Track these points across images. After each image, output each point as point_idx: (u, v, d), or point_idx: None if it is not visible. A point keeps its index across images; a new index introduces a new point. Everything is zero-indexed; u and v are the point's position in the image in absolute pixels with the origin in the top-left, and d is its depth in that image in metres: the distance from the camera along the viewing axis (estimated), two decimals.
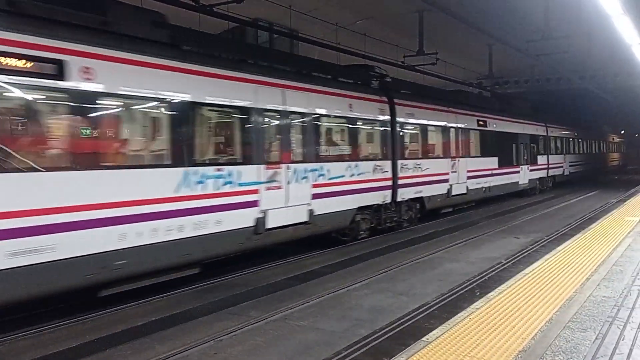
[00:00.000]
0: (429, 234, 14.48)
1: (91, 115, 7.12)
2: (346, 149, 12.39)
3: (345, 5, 16.57)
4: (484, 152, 19.34)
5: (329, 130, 12.25)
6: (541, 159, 25.73)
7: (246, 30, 16.25)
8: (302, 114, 11.00)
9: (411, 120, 14.89)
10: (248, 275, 10.01)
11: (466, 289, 8.77)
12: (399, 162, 14.06)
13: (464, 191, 17.55)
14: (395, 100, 14.21)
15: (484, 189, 19.07)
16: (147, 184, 7.77)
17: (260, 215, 9.66)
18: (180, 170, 8.23)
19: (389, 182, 13.69)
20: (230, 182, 9.07)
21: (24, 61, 6.45)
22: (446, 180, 16.47)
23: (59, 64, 6.77)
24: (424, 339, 4.94)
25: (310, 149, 11.11)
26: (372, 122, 13.39)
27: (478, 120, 19.06)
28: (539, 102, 30.43)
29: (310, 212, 10.90)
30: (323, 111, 11.63)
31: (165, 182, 8.03)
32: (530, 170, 24.08)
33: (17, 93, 6.47)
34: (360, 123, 12.86)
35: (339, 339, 6.64)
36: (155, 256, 7.85)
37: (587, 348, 4.68)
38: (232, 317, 7.52)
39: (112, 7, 7.98)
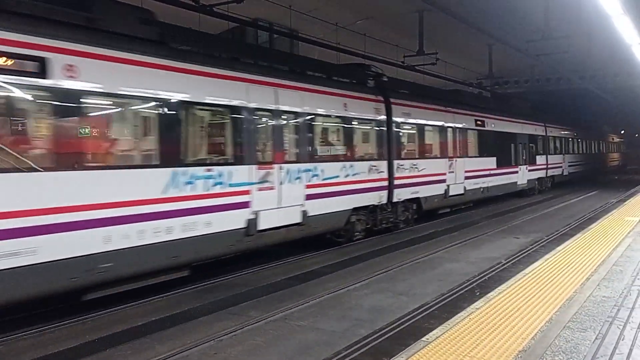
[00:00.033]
0: (428, 234, 14.48)
1: (75, 114, 6.96)
2: (341, 149, 12.25)
3: (345, 5, 16.56)
4: (482, 152, 19.24)
5: (323, 130, 12.10)
6: (540, 159, 25.64)
7: (246, 30, 16.24)
8: (295, 114, 10.83)
9: (408, 119, 14.78)
10: (248, 275, 10.01)
11: (466, 289, 8.77)
12: (395, 162, 13.94)
13: (462, 192, 17.42)
14: (392, 100, 14.09)
15: (482, 190, 18.97)
16: (134, 184, 7.60)
17: (252, 217, 9.50)
18: (168, 170, 8.06)
19: (385, 183, 13.56)
20: (220, 183, 8.91)
21: (4, 59, 6.28)
22: (443, 181, 16.34)
23: (41, 61, 6.59)
24: (424, 339, 4.94)
25: (303, 149, 10.95)
26: (367, 121, 13.24)
27: (476, 120, 18.97)
28: (539, 102, 30.43)
29: (304, 213, 10.74)
30: (317, 110, 11.47)
31: (152, 182, 7.86)
32: (529, 171, 23.98)
33: None
34: (356, 123, 12.72)
35: (339, 339, 6.64)
36: (143, 258, 7.68)
37: (587, 348, 4.68)
38: (232, 317, 7.52)
39: (98, 4, 7.79)
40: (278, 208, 10.10)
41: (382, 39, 17.99)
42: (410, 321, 7.21)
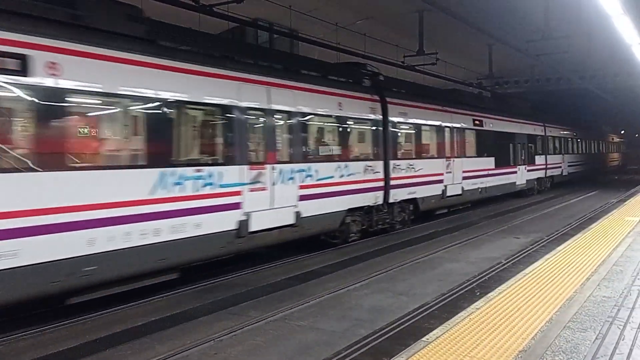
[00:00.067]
0: (428, 234, 14.48)
1: (58, 113, 6.76)
2: (335, 149, 12.06)
3: (345, 5, 16.56)
4: (480, 152, 19.11)
5: (317, 129, 11.93)
6: (539, 159, 25.52)
7: (246, 30, 16.23)
8: (289, 113, 10.63)
9: (404, 119, 14.62)
10: (248, 275, 10.00)
11: (466, 289, 8.77)
12: (392, 162, 13.76)
13: (459, 192, 17.27)
14: (388, 99, 13.92)
15: (480, 190, 18.84)
16: (120, 185, 7.40)
17: (243, 218, 9.30)
18: (156, 171, 7.87)
19: (381, 183, 13.39)
20: (210, 184, 8.72)
21: None
22: (441, 181, 16.18)
23: (22, 59, 6.41)
24: (424, 339, 4.94)
25: (297, 149, 10.75)
26: (362, 121, 13.06)
27: (474, 120, 18.85)
28: (539, 102, 30.42)
29: (297, 214, 10.55)
30: (311, 110, 11.27)
31: (139, 183, 7.67)
32: (528, 171, 23.86)
33: None
34: (351, 122, 12.56)
35: (339, 339, 6.64)
36: (129, 261, 7.49)
37: (587, 348, 4.68)
38: (232, 317, 7.52)
39: (83, 0, 7.57)
40: (270, 209, 9.92)
41: (382, 39, 17.98)
42: (410, 321, 7.21)
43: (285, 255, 11.35)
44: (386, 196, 13.60)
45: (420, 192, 15.01)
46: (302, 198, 10.70)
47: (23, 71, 6.42)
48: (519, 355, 4.52)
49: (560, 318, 5.46)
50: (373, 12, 17.49)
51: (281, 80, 10.54)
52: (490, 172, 19.79)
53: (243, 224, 9.30)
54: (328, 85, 12.02)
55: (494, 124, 20.49)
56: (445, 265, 10.69)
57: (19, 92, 6.45)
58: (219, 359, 6.16)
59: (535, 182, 25.22)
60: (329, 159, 11.81)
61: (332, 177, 11.63)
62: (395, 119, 14.15)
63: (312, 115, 11.40)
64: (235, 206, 9.19)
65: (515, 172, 22.46)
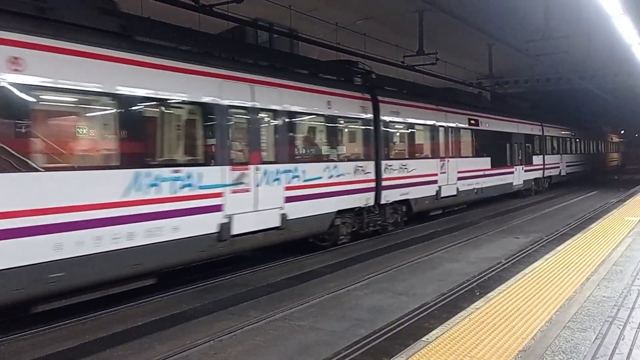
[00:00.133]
0: (428, 234, 14.48)
1: (22, 111, 6.38)
2: (324, 149, 11.78)
3: (345, 5, 16.57)
4: (476, 152, 18.94)
5: (304, 129, 11.67)
6: (537, 159, 25.36)
7: (246, 30, 16.23)
8: (274, 112, 10.31)
9: (397, 118, 14.35)
10: (248, 275, 10.00)
11: (466, 289, 8.78)
12: (383, 162, 13.46)
13: (454, 193, 16.98)
14: (379, 98, 13.63)
15: (475, 191, 18.61)
16: (89, 187, 7.00)
17: (225, 221, 8.94)
18: (129, 172, 7.48)
19: (372, 184, 13.06)
20: (189, 185, 8.35)
21: None
22: (435, 182, 15.90)
23: None
24: (423, 339, 4.94)
25: (282, 148, 10.42)
26: (353, 120, 12.79)
27: (469, 119, 18.63)
28: (539, 102, 30.40)
29: (283, 216, 10.20)
30: (297, 108, 10.93)
31: (111, 185, 7.29)
32: (525, 171, 23.67)
33: None
34: (340, 121, 12.26)
35: (339, 339, 6.64)
36: (100, 267, 7.12)
37: (587, 348, 4.68)
38: (232, 317, 7.52)
39: None
40: (254, 211, 9.55)
41: (382, 39, 17.98)
42: (410, 321, 7.21)
43: (285, 255, 11.34)
44: (378, 197, 13.29)
45: (413, 193, 14.72)
46: (289, 199, 10.37)
47: None
48: (519, 355, 4.52)
49: (560, 318, 5.46)
50: (373, 12, 17.50)
51: (266, 78, 10.21)
52: (487, 172, 19.56)
53: (225, 226, 8.95)
54: (316, 83, 11.69)
55: (490, 124, 20.29)
56: (445, 265, 10.69)
57: None
58: (219, 359, 6.16)
59: (533, 183, 25.06)
60: (317, 159, 11.54)
61: (320, 177, 11.31)
62: (387, 118, 13.87)
63: (299, 114, 11.12)
64: (216, 208, 8.84)
65: (512, 173, 22.25)
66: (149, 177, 7.75)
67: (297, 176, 10.66)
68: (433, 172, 15.93)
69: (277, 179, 10.15)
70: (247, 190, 9.44)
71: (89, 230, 6.95)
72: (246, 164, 9.52)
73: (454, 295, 8.44)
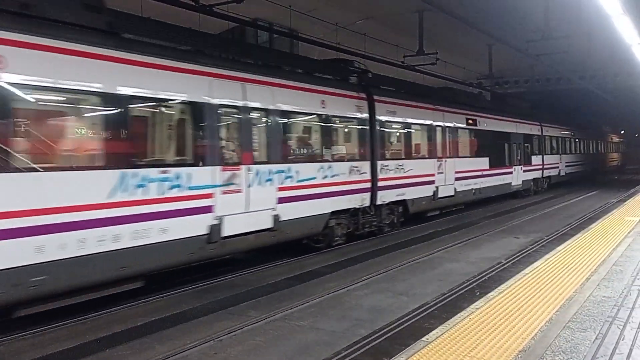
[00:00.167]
0: (428, 234, 14.48)
1: (3, 109, 6.24)
2: (318, 149, 11.60)
3: (345, 5, 16.56)
4: (474, 152, 18.84)
5: (297, 128, 11.51)
6: (535, 159, 25.27)
7: (246, 30, 16.23)
8: (266, 111, 10.14)
9: (393, 118, 14.20)
10: (248, 275, 10.00)
11: (466, 289, 8.78)
12: (379, 162, 13.31)
13: (452, 193, 16.85)
14: (375, 97, 13.49)
15: (473, 191, 18.48)
16: (73, 188, 6.82)
17: (215, 222, 8.76)
18: (115, 172, 7.31)
19: (368, 185, 12.90)
20: (178, 186, 8.16)
21: None
22: (432, 182, 15.76)
23: None
24: (423, 339, 4.94)
25: (275, 148, 10.25)
26: (348, 120, 12.65)
27: (467, 119, 18.52)
28: (539, 102, 30.38)
29: (276, 217, 10.02)
30: (291, 108, 10.76)
31: (96, 186, 7.10)
32: (524, 171, 23.56)
33: None
34: (335, 121, 12.09)
35: (338, 339, 6.64)
36: (84, 270, 6.94)
37: (587, 348, 4.68)
38: (232, 317, 7.52)
39: None
40: (246, 212, 9.36)
41: (382, 39, 17.97)
42: (410, 321, 7.21)
43: (285, 255, 11.34)
44: (373, 198, 13.13)
45: (410, 194, 14.56)
46: (281, 200, 10.19)
47: None
48: (519, 355, 4.52)
49: (560, 318, 5.46)
50: (373, 12, 17.49)
51: (258, 76, 10.02)
52: (485, 172, 19.43)
53: (215, 228, 8.76)
54: (310, 82, 11.55)
55: (488, 124, 20.18)
56: (445, 265, 10.69)
57: None
58: (219, 359, 6.16)
59: (532, 183, 24.95)
60: (311, 159, 11.38)
61: (314, 178, 11.14)
62: (383, 118, 13.73)
63: (293, 114, 10.97)
64: (206, 210, 8.66)
65: (511, 173, 22.12)
66: (136, 177, 7.59)
67: (290, 177, 10.50)
68: (430, 172, 15.79)
69: (270, 180, 9.99)
70: (239, 191, 9.28)
71: (72, 233, 6.77)
72: (237, 164, 9.36)
73: (454, 295, 8.44)
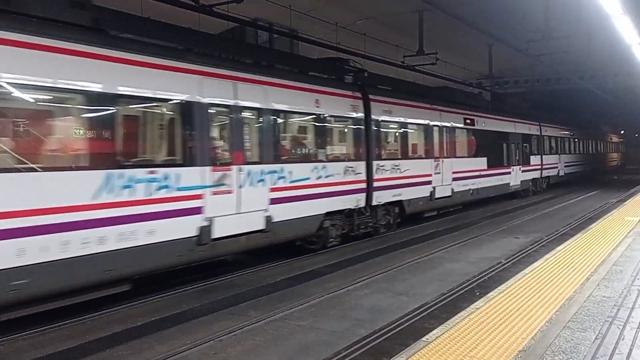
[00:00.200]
0: (428, 234, 14.48)
1: None
2: (312, 149, 11.42)
3: (345, 5, 16.56)
4: (472, 152, 18.72)
5: (290, 128, 11.36)
6: (534, 159, 25.18)
7: (246, 30, 16.23)
8: (258, 110, 9.94)
9: (389, 118, 14.02)
10: (248, 275, 10.00)
11: (466, 289, 8.78)
12: (375, 163, 13.13)
13: (449, 194, 16.69)
14: (371, 97, 13.32)
15: (471, 191, 18.33)
16: (55, 189, 6.65)
17: (205, 224, 8.58)
18: (100, 173, 7.13)
19: (363, 185, 12.73)
20: (166, 187, 7.99)
21: None
22: (429, 182, 15.58)
23: None
24: (423, 339, 4.95)
25: (267, 148, 10.07)
26: (343, 119, 12.49)
27: (465, 119, 18.41)
28: (539, 102, 30.37)
29: (268, 218, 9.83)
30: (283, 107, 10.59)
31: (80, 187, 6.91)
32: (523, 171, 23.46)
33: None
34: (329, 120, 11.94)
35: (338, 339, 6.65)
36: (67, 273, 6.77)
37: (587, 348, 4.68)
38: (232, 317, 7.53)
39: None
40: (237, 214, 9.18)
41: (382, 39, 17.97)
42: (410, 321, 7.21)
43: (285, 255, 11.34)
44: (369, 199, 12.97)
45: (406, 194, 14.40)
46: (274, 201, 10.01)
47: None
48: (519, 355, 4.52)
49: (560, 318, 5.46)
50: (373, 12, 17.49)
51: (250, 75, 9.84)
52: (483, 172, 19.29)
53: (205, 230, 8.58)
54: (304, 81, 11.38)
55: (486, 123, 20.05)
56: (445, 265, 10.69)
57: None
58: (219, 359, 6.17)
59: (531, 183, 24.87)
60: (305, 159, 11.20)
61: (308, 178, 10.95)
62: (379, 118, 13.58)
63: (286, 113, 10.83)
64: (196, 211, 8.47)
65: (509, 173, 22.02)
66: (122, 178, 7.41)
67: (283, 177, 10.32)
68: (427, 172, 15.63)
69: (262, 180, 9.81)
70: (229, 192, 9.09)
71: (55, 235, 6.60)
72: (228, 164, 9.18)
73: (454, 295, 8.44)
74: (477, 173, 18.89)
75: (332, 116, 12.07)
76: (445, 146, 16.79)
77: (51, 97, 7.08)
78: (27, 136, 6.74)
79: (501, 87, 28.52)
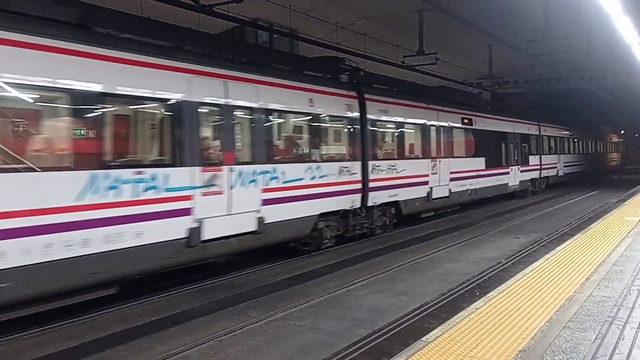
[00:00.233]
0: (428, 234, 14.48)
1: None
2: (305, 149, 11.26)
3: (345, 5, 16.57)
4: (470, 152, 18.59)
5: (283, 127, 11.19)
6: (533, 159, 25.09)
7: (246, 30, 16.23)
8: (250, 109, 9.76)
9: (385, 117, 13.85)
10: (248, 275, 10.01)
11: (466, 289, 8.78)
12: (370, 163, 12.98)
13: (446, 194, 16.51)
14: (366, 96, 13.16)
15: (469, 192, 18.18)
16: (37, 190, 6.47)
17: (195, 225, 8.40)
18: (84, 173, 6.94)
19: (359, 185, 12.57)
20: (154, 188, 7.82)
21: None
22: (426, 183, 15.41)
23: None
24: (423, 339, 4.95)
25: (259, 148, 9.89)
26: (337, 119, 12.29)
27: (463, 118, 18.27)
28: (539, 101, 30.36)
29: (260, 220, 9.66)
30: (276, 106, 10.43)
31: (63, 188, 6.74)
32: (521, 171, 23.33)
33: None
34: (323, 120, 11.76)
35: (338, 339, 6.65)
36: (49, 277, 6.60)
37: (587, 348, 4.68)
38: (232, 317, 7.53)
39: None
40: (227, 215, 9.01)
41: (382, 39, 17.97)
42: (410, 321, 7.21)
43: (285, 255, 11.34)
44: (364, 199, 12.81)
45: (402, 195, 14.23)
46: (266, 202, 9.83)
47: None
48: (519, 355, 4.52)
49: (560, 318, 5.46)
50: (373, 12, 17.49)
51: (241, 74, 9.66)
52: (481, 173, 19.15)
53: (194, 231, 8.41)
54: (297, 80, 11.21)
55: (484, 123, 19.93)
56: (445, 265, 10.70)
57: None
58: (219, 359, 6.17)
59: (529, 183, 24.76)
60: (299, 159, 11.05)
61: (301, 179, 10.78)
62: (375, 117, 13.40)
63: (279, 112, 10.70)
64: (185, 212, 8.30)
65: (508, 173, 21.89)
66: (108, 179, 7.25)
67: (275, 177, 10.14)
68: (424, 172, 15.47)
69: (254, 181, 9.63)
70: (220, 193, 8.91)
71: (36, 237, 6.43)
72: (219, 164, 9.00)
73: (454, 295, 8.44)
74: (475, 173, 18.76)
75: (326, 115, 11.89)
76: (442, 146, 16.65)
77: (32, 96, 6.88)
78: (5, 135, 6.54)
79: (501, 87, 28.51)
